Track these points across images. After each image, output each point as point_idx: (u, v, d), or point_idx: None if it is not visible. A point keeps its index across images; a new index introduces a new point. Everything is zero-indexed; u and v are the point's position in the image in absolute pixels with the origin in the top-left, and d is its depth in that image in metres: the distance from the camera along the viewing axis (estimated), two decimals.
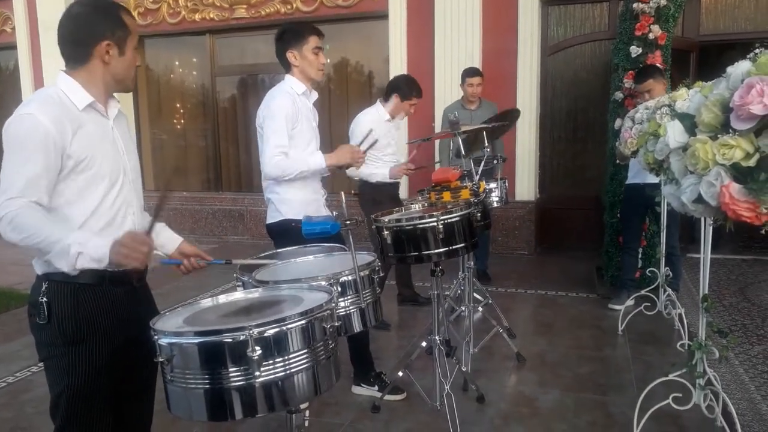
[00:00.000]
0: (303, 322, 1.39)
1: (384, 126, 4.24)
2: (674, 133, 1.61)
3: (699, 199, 1.45)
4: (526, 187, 6.29)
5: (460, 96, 5.41)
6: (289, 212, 2.89)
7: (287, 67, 2.90)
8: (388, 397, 3.15)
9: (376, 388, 3.23)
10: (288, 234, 2.79)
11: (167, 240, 2.00)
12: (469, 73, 5.25)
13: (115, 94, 1.86)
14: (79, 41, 1.74)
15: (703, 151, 1.40)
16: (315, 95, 3.00)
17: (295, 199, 2.89)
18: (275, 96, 2.85)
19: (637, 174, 4.33)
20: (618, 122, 4.71)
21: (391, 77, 5.04)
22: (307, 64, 2.86)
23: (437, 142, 5.49)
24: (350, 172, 4.11)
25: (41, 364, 1.78)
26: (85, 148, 1.68)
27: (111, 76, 1.78)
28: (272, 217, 2.97)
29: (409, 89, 4.28)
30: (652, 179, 3.95)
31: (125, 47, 1.78)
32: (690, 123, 1.54)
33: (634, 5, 4.75)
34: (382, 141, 4.18)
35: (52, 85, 1.74)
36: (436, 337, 2.85)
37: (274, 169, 2.80)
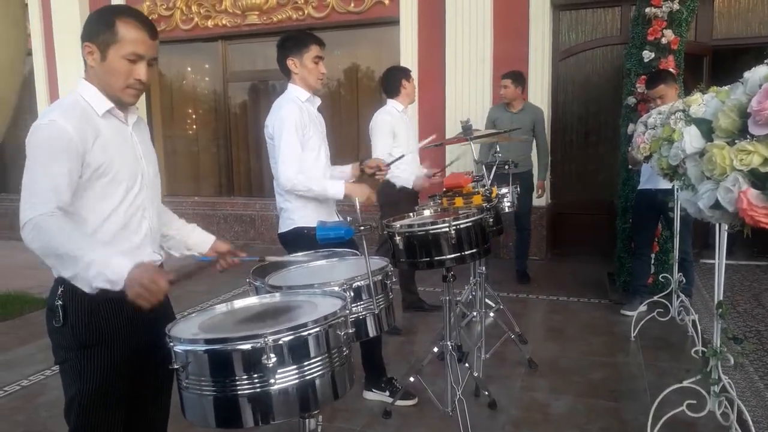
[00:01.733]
0: (318, 329, 1.39)
1: (402, 119, 4.33)
2: (691, 138, 1.60)
3: (716, 205, 1.43)
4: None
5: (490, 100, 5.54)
6: (302, 220, 2.90)
7: (288, 74, 2.93)
8: (399, 402, 3.14)
9: (388, 393, 3.23)
10: (300, 241, 2.80)
11: (201, 241, 2.03)
12: (503, 75, 5.43)
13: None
14: (81, 40, 1.76)
15: (720, 157, 1.38)
16: (318, 101, 3.03)
17: (308, 207, 2.91)
18: (282, 105, 2.87)
19: (649, 179, 4.31)
20: (631, 127, 4.69)
21: None
22: (306, 73, 2.88)
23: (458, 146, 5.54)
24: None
25: (55, 368, 1.80)
26: (104, 154, 1.70)
27: (98, 81, 1.73)
28: (285, 226, 2.98)
29: (406, 70, 4.50)
30: (665, 185, 3.93)
31: (107, 53, 1.69)
32: (707, 128, 1.52)
33: (647, 10, 4.73)
34: (403, 134, 4.29)
35: (73, 92, 1.75)
36: (448, 343, 2.84)
37: (287, 182, 2.81)
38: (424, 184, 4.21)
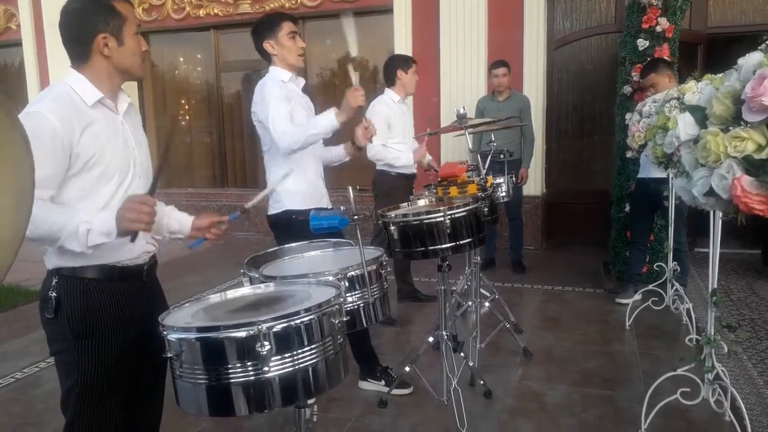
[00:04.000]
0: (312, 317, 1.38)
1: (399, 109, 4.32)
2: (685, 125, 1.60)
3: (710, 192, 1.43)
4: (533, 181, 6.25)
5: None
6: (291, 203, 2.88)
7: (267, 58, 2.91)
8: (395, 391, 3.15)
9: (383, 383, 3.23)
10: (290, 227, 2.78)
11: (179, 222, 2.02)
12: (494, 65, 5.43)
13: (123, 89, 1.85)
14: (77, 39, 1.73)
15: (714, 144, 1.38)
16: (302, 81, 3.00)
17: (297, 190, 2.88)
18: (264, 84, 2.86)
19: (643, 168, 4.32)
20: (628, 116, 4.69)
21: None
22: (285, 51, 2.85)
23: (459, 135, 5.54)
24: (373, 154, 4.16)
25: (49, 360, 1.80)
26: (94, 145, 1.68)
27: (115, 68, 1.75)
28: (274, 209, 2.95)
29: (405, 59, 4.43)
30: (657, 173, 3.94)
31: (123, 36, 1.73)
32: (701, 115, 1.52)
33: None
34: (399, 125, 4.27)
35: (61, 82, 1.73)
36: (443, 333, 2.85)
37: (284, 137, 2.71)
38: (420, 151, 4.23)
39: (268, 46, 2.86)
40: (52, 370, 1.79)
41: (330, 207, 3.03)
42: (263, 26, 2.89)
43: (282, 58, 2.86)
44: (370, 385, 3.28)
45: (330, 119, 2.68)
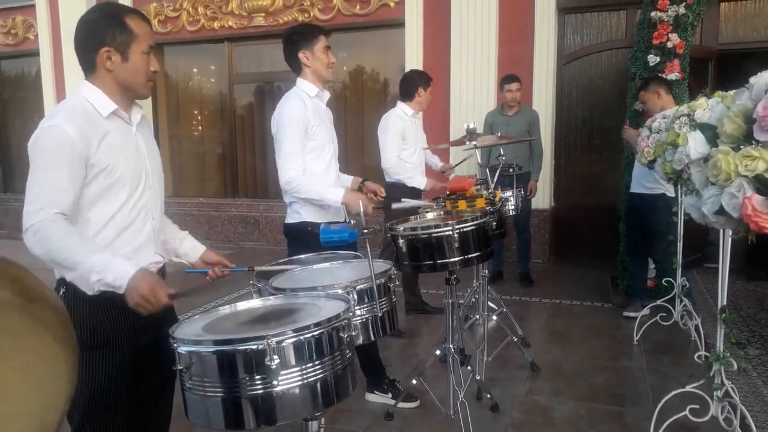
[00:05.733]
0: (321, 331, 1.39)
1: (412, 123, 4.38)
2: (696, 143, 1.60)
3: (721, 211, 1.43)
4: (541, 195, 6.25)
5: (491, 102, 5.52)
6: (309, 215, 2.91)
7: (298, 69, 2.91)
8: (401, 404, 3.14)
9: (390, 395, 3.23)
10: (304, 237, 2.81)
11: (191, 249, 2.03)
12: (507, 79, 5.42)
13: (137, 101, 1.88)
14: (84, 49, 1.74)
15: (725, 163, 1.39)
16: (327, 95, 3.03)
17: (315, 204, 2.91)
18: (287, 102, 2.87)
19: (633, 182, 4.50)
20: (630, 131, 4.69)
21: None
22: (319, 64, 2.88)
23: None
24: (389, 166, 4.28)
25: None
26: (109, 156, 1.70)
27: (117, 83, 1.74)
28: (291, 218, 2.98)
29: (426, 79, 4.49)
30: (637, 188, 4.38)
31: (129, 53, 1.72)
32: (712, 133, 1.53)
33: (653, 13, 4.73)
34: (412, 138, 4.35)
35: (76, 95, 1.75)
36: (451, 346, 2.84)
37: (286, 185, 2.83)
38: (435, 186, 4.30)
39: (303, 56, 2.87)
40: None
41: (346, 220, 3.06)
42: (299, 36, 2.88)
43: (314, 70, 2.89)
44: (376, 398, 3.27)
45: (336, 198, 2.79)
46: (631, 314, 4.45)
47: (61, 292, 1.72)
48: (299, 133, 2.81)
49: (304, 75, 2.91)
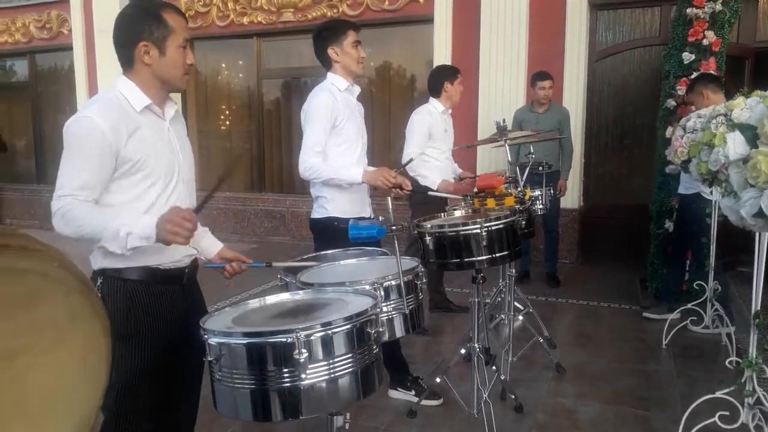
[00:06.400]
0: (349, 326, 1.40)
1: (441, 119, 4.32)
2: (734, 144, 1.56)
3: (760, 213, 1.40)
4: (570, 194, 6.17)
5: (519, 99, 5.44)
6: (335, 210, 2.92)
7: (328, 64, 2.93)
8: (424, 402, 3.14)
9: (413, 392, 3.23)
10: (330, 232, 2.82)
11: (208, 245, 2.06)
12: (540, 76, 5.35)
13: (171, 96, 1.90)
14: (123, 44, 1.78)
15: (765, 164, 1.35)
16: (357, 89, 3.04)
17: (341, 198, 2.92)
18: (316, 94, 2.88)
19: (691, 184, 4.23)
20: (669, 131, 4.59)
21: None
22: (349, 59, 2.89)
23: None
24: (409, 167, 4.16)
25: None
26: (140, 150, 1.73)
27: (155, 77, 1.78)
28: (318, 213, 2.99)
29: (452, 71, 4.42)
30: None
31: (166, 47, 1.76)
32: (752, 134, 1.49)
33: (688, 10, 4.61)
34: (440, 134, 4.27)
35: (112, 88, 1.79)
36: (476, 345, 2.83)
37: (305, 171, 2.83)
38: (448, 188, 4.09)
39: (332, 52, 2.89)
40: None
41: (371, 216, 3.06)
42: (328, 32, 2.91)
43: (344, 65, 2.90)
44: (399, 394, 3.27)
45: (356, 176, 2.79)
46: (652, 316, 4.37)
47: (98, 282, 1.76)
48: (325, 127, 2.82)
49: (334, 70, 2.92)
